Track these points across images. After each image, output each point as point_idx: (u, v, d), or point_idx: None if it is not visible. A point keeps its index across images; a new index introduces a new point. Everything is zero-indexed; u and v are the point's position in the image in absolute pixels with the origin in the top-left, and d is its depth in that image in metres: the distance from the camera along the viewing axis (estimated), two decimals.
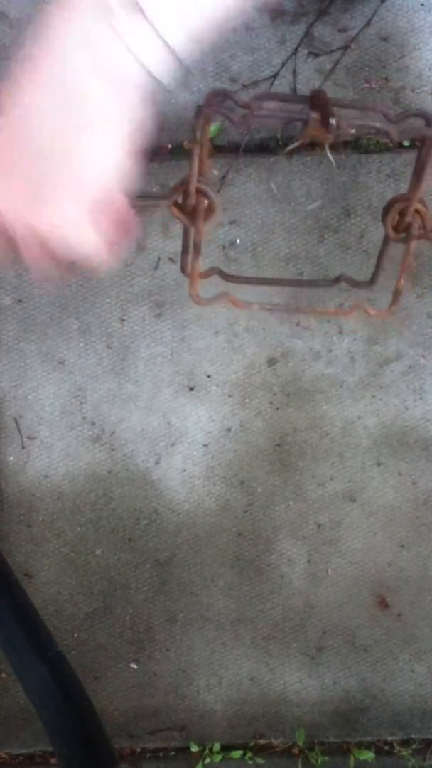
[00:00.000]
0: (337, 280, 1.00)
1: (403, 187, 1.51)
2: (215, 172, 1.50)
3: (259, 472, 1.54)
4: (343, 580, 1.58)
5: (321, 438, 1.54)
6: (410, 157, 1.50)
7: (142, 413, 1.53)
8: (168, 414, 1.53)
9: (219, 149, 1.51)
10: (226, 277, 0.98)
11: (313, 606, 1.58)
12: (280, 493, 1.55)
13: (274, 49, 1.49)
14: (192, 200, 0.84)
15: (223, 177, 1.49)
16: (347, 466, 1.55)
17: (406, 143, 1.50)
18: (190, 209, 0.85)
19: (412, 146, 1.51)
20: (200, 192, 0.84)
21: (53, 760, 1.61)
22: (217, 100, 0.79)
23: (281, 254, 1.51)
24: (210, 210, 0.84)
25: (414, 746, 1.63)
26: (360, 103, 0.76)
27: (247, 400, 1.53)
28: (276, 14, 1.48)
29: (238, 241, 1.50)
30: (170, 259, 1.50)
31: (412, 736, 1.63)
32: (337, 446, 1.54)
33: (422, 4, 1.48)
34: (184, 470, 1.54)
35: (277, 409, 1.53)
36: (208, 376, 1.53)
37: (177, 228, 1.50)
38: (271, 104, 0.77)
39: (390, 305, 0.94)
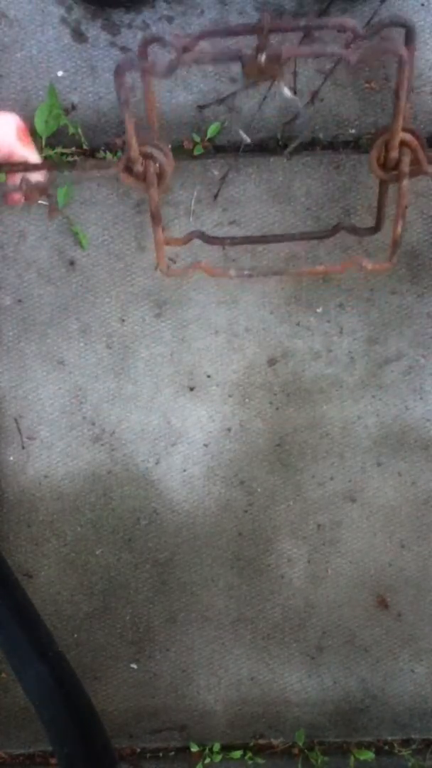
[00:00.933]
0: (336, 228, 0.89)
1: None
2: (215, 173, 1.50)
3: (259, 472, 1.54)
4: (343, 580, 1.58)
5: (321, 438, 1.54)
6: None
7: (142, 413, 1.53)
8: (168, 414, 1.53)
9: (219, 149, 1.51)
10: (209, 239, 0.91)
11: (313, 606, 1.58)
12: (280, 493, 1.55)
13: None
14: (138, 167, 0.79)
15: (223, 177, 1.49)
16: (347, 466, 1.55)
17: None
18: (141, 175, 0.79)
19: None
20: (147, 156, 0.78)
21: (53, 760, 1.61)
22: (144, 50, 0.72)
23: (281, 254, 1.51)
24: (161, 174, 0.78)
25: (414, 746, 1.63)
26: (316, 22, 0.66)
27: (247, 400, 1.53)
28: (275, 14, 1.48)
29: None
30: (170, 259, 1.50)
31: (412, 736, 1.63)
32: (337, 446, 1.54)
33: (422, 4, 1.48)
34: (184, 470, 1.54)
35: (277, 409, 1.53)
36: (208, 376, 1.53)
37: (177, 228, 1.50)
38: (206, 46, 0.69)
39: (389, 255, 0.83)
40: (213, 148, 1.50)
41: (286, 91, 0.87)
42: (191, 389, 1.53)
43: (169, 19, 1.47)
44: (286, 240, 0.89)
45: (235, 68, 1.48)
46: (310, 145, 1.51)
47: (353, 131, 1.51)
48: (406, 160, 0.76)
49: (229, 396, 1.53)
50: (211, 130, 1.48)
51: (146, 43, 0.72)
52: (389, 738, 1.63)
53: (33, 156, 0.86)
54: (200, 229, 0.89)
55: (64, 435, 1.53)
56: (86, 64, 1.48)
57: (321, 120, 1.50)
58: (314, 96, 1.49)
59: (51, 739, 1.20)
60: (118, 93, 0.73)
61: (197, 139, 1.49)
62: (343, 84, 1.49)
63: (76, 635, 1.58)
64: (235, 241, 0.86)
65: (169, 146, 0.79)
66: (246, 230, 1.50)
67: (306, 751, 1.61)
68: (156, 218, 0.83)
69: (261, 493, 1.55)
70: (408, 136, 0.75)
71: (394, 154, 0.74)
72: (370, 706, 1.61)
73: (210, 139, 1.49)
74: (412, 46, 0.70)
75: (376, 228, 0.86)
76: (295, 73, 1.48)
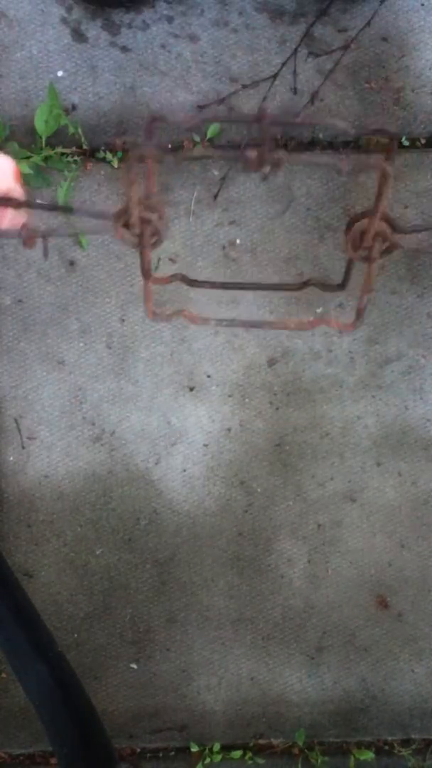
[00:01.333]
0: (306, 283, 0.95)
1: (403, 187, 1.51)
2: (215, 173, 1.50)
3: (259, 472, 1.54)
4: (343, 580, 1.58)
5: (321, 438, 1.54)
6: (410, 157, 1.50)
7: (142, 413, 1.53)
8: (168, 414, 1.53)
9: (219, 149, 1.51)
10: (190, 282, 0.95)
11: (313, 606, 1.58)
12: (280, 493, 1.55)
13: (274, 49, 1.49)
14: (136, 229, 0.84)
15: (223, 177, 1.49)
16: (347, 466, 1.55)
17: (405, 143, 1.50)
18: (137, 236, 0.84)
19: (412, 146, 1.51)
20: (145, 221, 0.84)
21: (53, 760, 1.60)
22: (149, 129, 0.78)
23: (281, 254, 1.51)
24: (157, 236, 0.83)
25: (414, 746, 1.63)
26: (311, 119, 0.73)
27: (247, 400, 1.53)
28: (276, 15, 1.48)
29: (238, 241, 1.50)
30: (170, 259, 1.50)
31: (412, 736, 1.63)
32: (337, 446, 1.54)
33: (422, 5, 1.48)
34: (184, 470, 1.54)
35: (277, 409, 1.53)
36: (208, 376, 1.53)
37: (177, 228, 1.50)
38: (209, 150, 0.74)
39: (354, 321, 0.89)
40: (213, 148, 1.50)
41: (280, 182, 0.91)
42: (191, 389, 1.53)
43: (169, 19, 1.47)
44: (258, 289, 0.94)
45: (235, 68, 1.48)
46: (310, 145, 1.51)
47: (353, 131, 1.50)
48: (378, 247, 0.82)
49: (229, 396, 1.53)
50: (211, 131, 1.48)
51: (152, 121, 0.77)
52: (389, 738, 1.63)
53: (22, 197, 0.90)
54: (182, 273, 0.94)
55: (64, 435, 1.53)
56: (86, 64, 1.48)
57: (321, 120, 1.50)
58: (314, 96, 1.49)
59: (51, 739, 1.20)
60: (127, 170, 0.78)
61: (197, 139, 1.49)
62: (343, 84, 1.50)
63: (76, 635, 1.58)
64: (214, 285, 0.90)
65: (165, 206, 0.85)
66: (246, 230, 1.50)
67: (306, 751, 1.61)
68: (147, 275, 0.88)
69: (261, 493, 1.55)
70: (383, 226, 0.81)
71: (368, 242, 0.81)
72: (370, 706, 1.61)
73: (210, 139, 1.49)
74: (393, 160, 0.75)
75: (342, 285, 0.93)
76: (294, 73, 1.48)
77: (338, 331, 1.02)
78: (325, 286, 0.93)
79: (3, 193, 0.89)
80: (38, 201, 0.87)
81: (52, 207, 0.86)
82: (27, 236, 0.84)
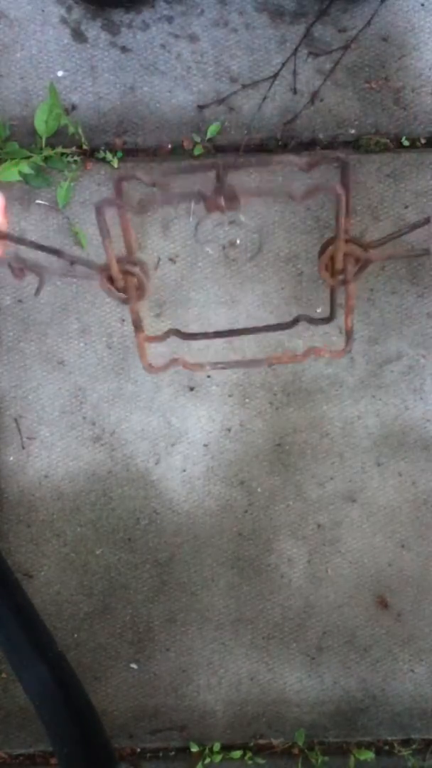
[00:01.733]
0: (295, 321, 1.00)
1: (403, 187, 1.51)
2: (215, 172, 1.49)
3: (259, 472, 1.54)
4: (343, 580, 1.58)
5: (321, 438, 1.54)
6: (410, 157, 1.50)
7: (142, 413, 1.53)
8: (168, 414, 1.53)
9: (219, 149, 1.51)
10: (183, 336, 1.00)
11: (313, 606, 1.58)
12: (280, 493, 1.55)
13: (274, 49, 1.49)
14: (119, 283, 0.89)
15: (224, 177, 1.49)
16: (347, 466, 1.55)
17: (405, 143, 1.50)
18: (122, 289, 0.89)
19: (412, 146, 1.51)
20: (127, 273, 0.88)
21: (53, 760, 1.60)
22: (119, 186, 0.80)
23: (281, 254, 1.51)
24: (140, 288, 0.87)
25: (414, 746, 1.63)
26: (265, 161, 0.79)
27: (247, 400, 1.53)
28: (276, 15, 1.48)
29: (238, 241, 1.50)
30: (170, 260, 1.50)
31: (412, 736, 1.63)
32: (337, 446, 1.54)
33: (422, 5, 1.48)
34: (184, 470, 1.54)
35: (277, 409, 1.53)
36: (208, 376, 1.53)
37: (177, 228, 1.50)
38: (174, 189, 0.79)
39: (344, 346, 0.97)
40: (213, 148, 1.50)
41: (243, 219, 0.99)
42: (191, 389, 1.53)
43: (169, 19, 1.47)
44: (251, 333, 0.97)
45: (235, 68, 1.48)
46: (310, 145, 1.51)
47: (353, 131, 1.51)
48: (351, 268, 0.85)
49: (229, 396, 1.53)
50: (211, 130, 1.48)
51: (120, 180, 0.81)
52: (389, 738, 1.63)
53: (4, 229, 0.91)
54: (176, 328, 0.99)
55: (64, 435, 1.53)
56: (86, 64, 1.48)
57: (321, 120, 1.50)
58: (314, 96, 1.49)
59: (51, 739, 1.20)
60: (100, 228, 0.81)
61: (197, 139, 1.49)
62: (343, 84, 1.50)
63: (76, 635, 1.58)
64: (207, 336, 0.92)
65: (145, 263, 0.89)
66: (246, 230, 1.50)
67: (306, 751, 1.61)
68: (137, 327, 0.91)
69: (261, 493, 1.55)
70: (351, 247, 0.84)
71: (339, 265, 0.84)
72: (370, 706, 1.61)
73: (210, 139, 1.49)
74: (347, 182, 0.79)
75: (330, 318, 0.97)
76: (294, 73, 1.48)
77: (332, 358, 1.05)
78: (315, 320, 0.97)
79: None
80: (27, 239, 0.89)
81: (40, 247, 0.89)
82: (17, 267, 0.86)
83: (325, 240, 0.87)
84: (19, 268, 0.88)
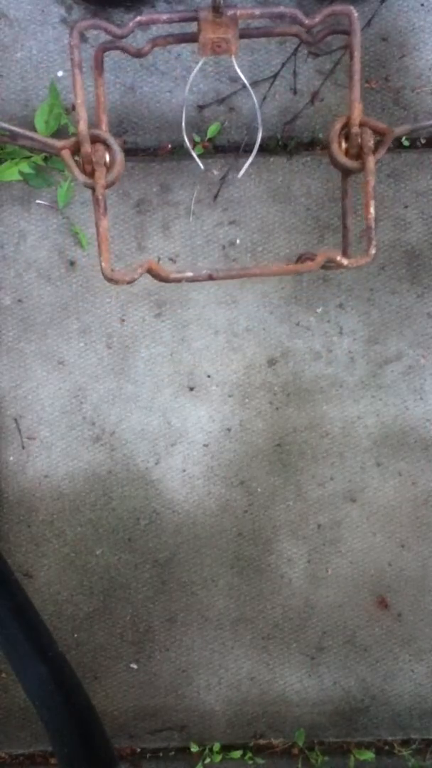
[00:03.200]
0: (299, 259, 0.86)
1: (403, 187, 1.51)
2: (215, 173, 1.50)
3: (259, 472, 1.54)
4: (343, 580, 1.58)
5: (321, 438, 1.54)
6: (410, 157, 1.50)
7: (142, 413, 1.53)
8: (168, 414, 1.53)
9: (219, 149, 1.51)
10: (163, 274, 0.83)
11: (313, 606, 1.58)
12: (280, 493, 1.55)
13: (274, 49, 1.49)
14: (87, 147, 0.71)
15: (223, 177, 1.49)
16: (347, 466, 1.55)
17: (406, 143, 1.50)
18: (88, 160, 0.70)
19: (412, 146, 1.51)
20: (98, 140, 0.72)
21: (53, 760, 1.60)
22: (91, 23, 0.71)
23: (281, 254, 1.51)
24: (113, 162, 0.70)
25: (414, 746, 1.63)
26: (267, 9, 0.66)
27: (247, 400, 1.53)
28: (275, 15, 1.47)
29: (238, 241, 1.50)
30: (170, 259, 1.50)
31: (412, 736, 1.63)
32: (337, 446, 1.54)
33: (422, 4, 1.48)
34: (184, 470, 1.54)
35: (277, 409, 1.53)
36: (208, 376, 1.52)
37: (177, 228, 1.50)
38: (163, 16, 0.68)
39: (367, 246, 0.76)
40: (213, 148, 1.50)
41: (239, 70, 0.85)
42: (191, 389, 1.53)
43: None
44: (235, 277, 0.84)
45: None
46: (310, 145, 1.51)
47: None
48: (369, 136, 0.71)
49: (229, 396, 1.53)
50: (211, 130, 1.48)
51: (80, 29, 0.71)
52: (389, 738, 1.63)
53: None
54: (150, 261, 0.82)
55: (64, 435, 1.53)
56: (86, 64, 1.48)
57: (321, 120, 1.50)
58: (314, 96, 1.49)
59: (51, 739, 1.20)
60: (72, 59, 0.71)
61: (197, 139, 1.49)
62: (343, 84, 1.49)
63: (76, 635, 1.58)
64: (194, 275, 0.81)
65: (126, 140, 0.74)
66: (246, 230, 1.50)
67: (306, 751, 1.61)
68: (102, 210, 0.72)
69: (261, 493, 1.55)
70: (364, 118, 0.70)
71: (355, 131, 0.68)
72: (370, 706, 1.61)
73: (210, 139, 1.49)
74: (356, 18, 0.70)
75: (344, 249, 0.83)
76: (294, 73, 1.48)
77: (353, 267, 0.86)
78: (331, 261, 0.79)
79: None
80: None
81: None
82: None
83: (330, 123, 0.72)
84: None
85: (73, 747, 1.18)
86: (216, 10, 0.67)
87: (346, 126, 0.71)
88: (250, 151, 1.50)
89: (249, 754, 1.60)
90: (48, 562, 1.55)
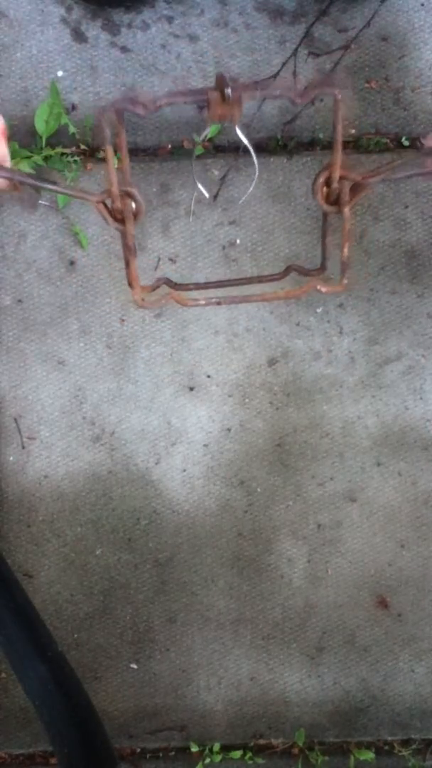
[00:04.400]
0: (287, 270, 1.00)
1: (403, 187, 1.51)
2: (215, 173, 1.50)
3: (259, 472, 1.54)
4: (343, 580, 1.58)
5: (321, 438, 1.54)
6: (410, 157, 1.50)
7: (142, 413, 1.53)
8: (168, 414, 1.53)
9: (219, 149, 1.51)
10: (174, 285, 1.00)
11: (313, 606, 1.58)
12: (280, 493, 1.55)
13: (274, 49, 1.49)
14: (117, 203, 0.88)
15: (223, 177, 1.49)
16: (347, 466, 1.55)
17: (405, 143, 1.50)
18: (119, 212, 0.88)
19: (412, 146, 1.51)
20: (127, 194, 0.88)
21: (53, 760, 1.60)
22: (122, 104, 0.81)
23: (281, 254, 1.51)
24: (138, 212, 0.88)
25: (414, 746, 1.63)
26: (264, 84, 0.84)
27: (247, 400, 1.53)
28: (276, 15, 1.48)
29: (238, 241, 1.50)
30: (170, 260, 1.50)
31: (412, 736, 1.63)
32: (337, 446, 1.54)
33: (422, 4, 1.48)
34: (184, 470, 1.54)
35: (277, 409, 1.53)
36: (208, 376, 1.52)
37: (177, 228, 1.50)
38: (177, 95, 0.82)
39: (341, 278, 0.93)
40: (213, 148, 1.50)
41: (242, 136, 1.02)
42: (191, 389, 1.53)
43: (169, 19, 1.47)
44: (243, 283, 0.99)
45: (235, 68, 1.48)
46: (310, 145, 1.51)
47: (353, 131, 1.51)
48: (346, 189, 0.86)
49: (229, 396, 1.53)
50: (211, 131, 1.48)
51: (121, 101, 0.84)
52: (389, 738, 1.63)
53: (6, 153, 0.95)
54: (166, 276, 1.00)
55: (64, 435, 1.53)
56: (86, 64, 1.48)
57: (321, 120, 1.50)
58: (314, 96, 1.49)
59: (51, 739, 1.20)
60: (101, 136, 0.83)
61: (197, 139, 1.49)
62: (343, 84, 1.49)
63: (76, 635, 1.58)
64: (198, 286, 0.96)
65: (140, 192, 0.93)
66: (246, 230, 1.50)
67: (306, 751, 1.61)
68: (132, 252, 0.91)
69: (261, 493, 1.55)
70: (344, 172, 0.86)
71: (335, 186, 0.85)
72: (370, 706, 1.62)
73: (210, 139, 1.49)
74: (342, 93, 0.84)
75: (322, 268, 0.97)
76: (294, 73, 1.48)
77: (331, 295, 1.09)
78: (306, 271, 0.97)
79: None
80: (28, 178, 0.90)
81: (39, 179, 0.91)
82: (17, 183, 0.89)
83: (318, 173, 0.88)
84: (19, 183, 0.89)
85: (73, 747, 1.18)
86: (222, 94, 0.83)
87: (329, 179, 0.87)
88: (250, 152, 1.50)
89: (249, 754, 1.60)
90: (48, 562, 1.55)
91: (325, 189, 0.88)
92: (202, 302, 0.96)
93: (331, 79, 0.83)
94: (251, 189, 1.18)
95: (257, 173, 1.18)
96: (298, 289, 0.93)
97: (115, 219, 0.91)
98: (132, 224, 0.90)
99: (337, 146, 0.85)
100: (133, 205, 0.89)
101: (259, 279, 0.99)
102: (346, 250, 0.92)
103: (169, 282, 0.97)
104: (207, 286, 0.97)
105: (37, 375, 1.52)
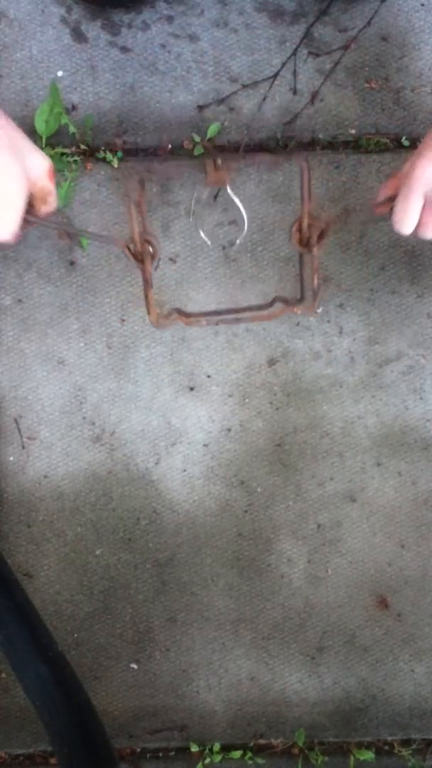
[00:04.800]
0: (273, 302, 1.24)
1: None
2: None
3: (259, 472, 1.54)
4: (343, 580, 1.58)
5: (321, 438, 1.54)
6: (410, 156, 1.50)
7: (142, 413, 1.53)
8: (168, 414, 1.53)
9: (219, 149, 1.51)
10: (184, 314, 1.24)
11: (313, 606, 1.58)
12: (280, 493, 1.55)
13: (274, 49, 1.49)
14: (138, 247, 1.15)
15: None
16: (347, 466, 1.55)
17: (405, 143, 1.50)
18: (139, 254, 1.15)
19: (412, 146, 1.51)
20: (147, 240, 1.16)
21: (53, 760, 1.60)
22: (139, 171, 1.13)
23: (281, 254, 1.51)
24: (155, 254, 1.16)
25: (414, 746, 1.63)
26: (249, 158, 1.21)
27: (247, 400, 1.53)
28: (276, 15, 1.48)
29: (238, 241, 1.50)
30: (170, 259, 1.50)
31: (412, 736, 1.63)
32: (337, 446, 1.54)
33: (422, 4, 1.48)
34: (184, 470, 1.54)
35: (277, 409, 1.53)
36: (208, 376, 1.53)
37: (177, 228, 1.50)
38: (183, 165, 1.22)
39: (313, 303, 1.20)
40: (213, 148, 1.50)
41: (234, 198, 1.26)
42: (191, 389, 1.53)
43: (170, 19, 1.47)
44: (238, 312, 1.23)
45: (235, 68, 1.48)
46: (310, 145, 1.51)
47: (353, 131, 1.51)
48: (314, 234, 1.13)
49: (229, 396, 1.53)
50: (211, 130, 1.48)
51: (137, 173, 1.13)
52: (389, 738, 1.63)
53: (54, 196, 1.12)
54: (178, 307, 1.29)
55: (64, 435, 1.53)
56: (86, 64, 1.48)
57: (321, 120, 1.50)
58: (314, 96, 1.49)
59: (51, 739, 1.20)
60: (129, 203, 1.11)
61: (197, 139, 1.49)
62: (343, 84, 1.49)
63: (76, 635, 1.58)
64: (201, 314, 1.23)
65: (156, 234, 1.21)
66: (246, 230, 1.50)
67: (306, 751, 1.61)
68: (149, 285, 1.16)
69: (261, 493, 1.55)
70: (312, 221, 1.12)
71: (305, 233, 1.14)
72: (370, 706, 1.62)
73: (210, 139, 1.49)
74: (309, 166, 1.10)
75: (301, 299, 1.23)
76: (294, 73, 1.48)
77: (305, 315, 1.41)
78: (289, 301, 1.22)
79: (39, 190, 1.09)
80: (60, 219, 1.19)
81: (73, 231, 1.22)
82: (62, 232, 1.17)
83: (295, 221, 1.14)
84: (64, 232, 1.19)
85: (73, 747, 1.18)
86: (215, 165, 1.11)
87: (300, 226, 1.14)
88: (250, 152, 1.50)
89: (249, 754, 1.60)
90: (48, 562, 1.55)
91: (297, 234, 1.15)
92: (204, 322, 1.24)
93: (299, 155, 1.19)
94: (243, 235, 1.44)
95: (246, 227, 1.42)
96: (278, 311, 1.21)
97: (136, 259, 1.17)
98: (150, 263, 1.16)
99: (305, 200, 1.10)
100: (150, 249, 1.16)
101: (250, 309, 1.25)
102: (315, 280, 1.18)
103: (179, 311, 1.24)
104: (208, 314, 1.25)
105: (37, 375, 1.52)
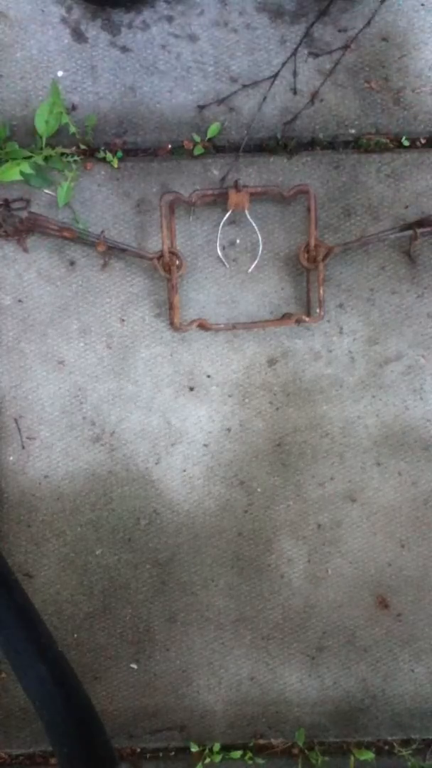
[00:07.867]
0: (284, 316, 1.46)
1: (403, 187, 1.51)
2: (215, 172, 1.50)
3: (259, 472, 1.54)
4: (343, 580, 1.58)
5: (321, 438, 1.54)
6: (410, 157, 1.50)
7: (142, 413, 1.53)
8: (168, 414, 1.53)
9: (219, 149, 1.51)
10: (207, 326, 1.42)
11: (313, 606, 1.58)
12: (280, 493, 1.55)
13: (274, 49, 1.49)
14: (166, 259, 1.38)
15: (223, 177, 1.49)
16: (347, 466, 1.55)
17: (405, 143, 1.50)
18: (167, 265, 1.39)
19: (412, 146, 1.51)
20: (173, 253, 1.39)
21: (53, 760, 1.60)
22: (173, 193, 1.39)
23: (281, 254, 1.51)
24: (180, 266, 1.40)
25: (414, 746, 1.63)
26: (264, 187, 1.41)
27: (247, 400, 1.53)
28: (276, 15, 1.48)
29: (238, 241, 1.50)
30: (173, 254, 1.50)
31: (412, 736, 1.63)
32: (337, 446, 1.54)
33: (422, 4, 1.48)
34: (184, 470, 1.54)
35: (277, 409, 1.53)
36: (208, 376, 1.52)
37: (177, 228, 1.50)
38: (208, 193, 1.40)
39: (319, 311, 1.43)
40: (213, 148, 1.50)
41: (251, 221, 1.44)
42: (191, 389, 1.53)
43: (169, 19, 1.47)
44: (251, 327, 1.44)
45: (235, 68, 1.48)
46: (310, 145, 1.51)
47: (353, 131, 1.51)
48: (321, 253, 1.40)
49: (229, 396, 1.53)
50: (211, 130, 1.48)
51: (172, 200, 1.39)
52: (389, 738, 1.63)
53: None
54: (202, 318, 1.46)
55: (64, 435, 1.53)
56: (86, 64, 1.48)
57: (321, 120, 1.50)
58: (314, 96, 1.49)
59: (51, 739, 1.20)
60: (162, 221, 1.37)
61: (197, 139, 1.49)
62: (343, 84, 1.49)
63: (76, 635, 1.58)
64: (228, 326, 1.43)
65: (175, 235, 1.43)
66: (246, 230, 1.50)
67: (306, 751, 1.61)
68: (174, 292, 1.40)
69: (261, 493, 1.55)
70: (317, 241, 1.40)
71: (312, 253, 1.41)
72: (370, 706, 1.61)
73: (210, 139, 1.49)
74: (315, 196, 1.38)
75: (308, 313, 1.46)
76: (294, 73, 1.48)
77: (310, 324, 1.49)
78: (300, 318, 1.42)
79: None
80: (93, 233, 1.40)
81: (111, 243, 1.39)
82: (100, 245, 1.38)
83: (303, 244, 1.40)
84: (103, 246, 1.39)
85: (73, 747, 1.18)
86: (237, 189, 1.38)
87: (308, 246, 1.40)
88: (250, 152, 1.50)
89: (249, 754, 1.60)
90: (48, 562, 1.55)
91: (305, 254, 1.40)
92: (222, 327, 1.42)
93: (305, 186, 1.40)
94: (257, 260, 1.50)
95: (261, 248, 1.49)
96: (288, 319, 1.43)
97: (164, 270, 1.38)
98: (176, 275, 1.39)
99: (312, 224, 1.38)
100: (177, 261, 1.39)
101: (264, 323, 1.44)
102: (322, 291, 1.41)
103: (202, 323, 1.42)
104: (225, 327, 1.45)
105: (37, 375, 1.52)
